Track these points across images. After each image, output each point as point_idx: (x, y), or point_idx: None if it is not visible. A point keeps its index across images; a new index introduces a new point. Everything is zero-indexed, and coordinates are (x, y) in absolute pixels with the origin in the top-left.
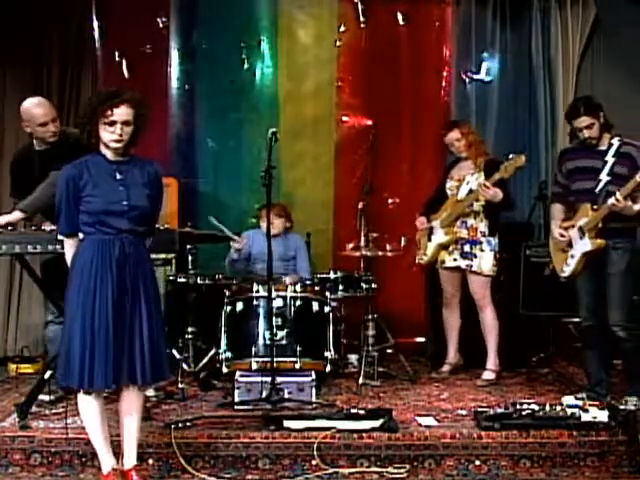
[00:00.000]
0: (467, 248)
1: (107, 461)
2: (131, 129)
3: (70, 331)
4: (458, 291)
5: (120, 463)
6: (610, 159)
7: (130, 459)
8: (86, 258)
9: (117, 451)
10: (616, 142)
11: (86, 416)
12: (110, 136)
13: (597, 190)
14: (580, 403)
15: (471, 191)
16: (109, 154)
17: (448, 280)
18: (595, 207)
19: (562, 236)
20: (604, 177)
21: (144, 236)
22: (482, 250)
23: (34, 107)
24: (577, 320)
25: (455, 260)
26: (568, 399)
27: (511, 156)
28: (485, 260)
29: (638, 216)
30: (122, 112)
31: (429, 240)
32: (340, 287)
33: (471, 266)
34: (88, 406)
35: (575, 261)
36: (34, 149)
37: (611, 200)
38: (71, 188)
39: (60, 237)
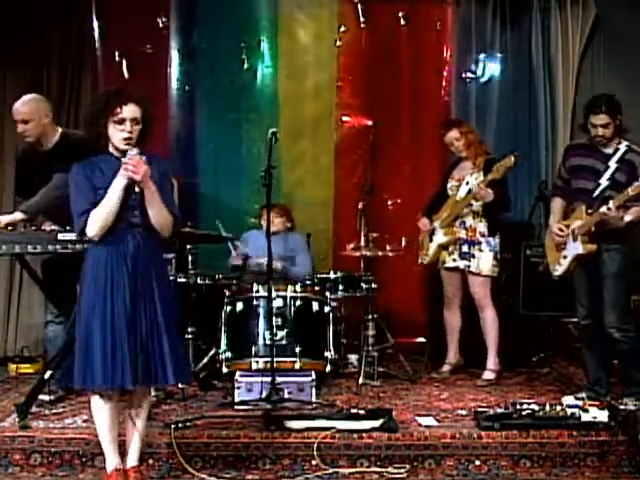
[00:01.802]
0: (465, 248)
1: (111, 460)
2: (139, 128)
3: (87, 332)
4: (459, 291)
5: (124, 463)
6: (613, 164)
7: (132, 459)
8: (99, 255)
9: (121, 451)
10: (623, 147)
11: (98, 416)
12: (120, 134)
13: (595, 194)
14: (580, 403)
15: (470, 191)
16: (118, 153)
17: (449, 280)
18: (590, 211)
19: (561, 230)
20: (604, 181)
21: (157, 231)
22: (481, 250)
23: (18, 103)
24: (576, 320)
25: (455, 260)
26: (568, 399)
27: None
28: (484, 260)
29: (627, 227)
30: (130, 109)
31: (430, 241)
32: (340, 287)
33: (469, 266)
34: (101, 407)
35: (567, 262)
36: (37, 149)
37: (603, 208)
38: (86, 177)
39: (86, 230)
